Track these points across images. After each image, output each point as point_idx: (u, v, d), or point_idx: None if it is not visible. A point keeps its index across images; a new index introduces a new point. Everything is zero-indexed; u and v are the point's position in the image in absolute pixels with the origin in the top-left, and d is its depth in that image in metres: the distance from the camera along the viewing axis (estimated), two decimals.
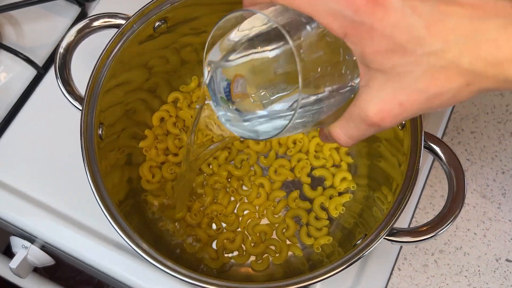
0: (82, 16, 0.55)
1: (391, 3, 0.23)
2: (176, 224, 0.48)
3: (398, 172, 0.40)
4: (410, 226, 0.48)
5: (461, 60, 0.23)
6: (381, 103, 0.24)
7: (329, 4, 0.23)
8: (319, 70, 0.24)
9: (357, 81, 0.26)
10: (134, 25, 0.41)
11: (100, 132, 0.40)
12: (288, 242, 0.47)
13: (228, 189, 0.49)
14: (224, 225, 0.48)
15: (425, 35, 0.23)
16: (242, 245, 0.47)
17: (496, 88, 0.24)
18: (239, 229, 0.48)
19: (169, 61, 0.49)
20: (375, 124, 0.25)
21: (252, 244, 0.47)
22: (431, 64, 0.23)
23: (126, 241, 0.36)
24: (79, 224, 0.47)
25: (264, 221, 0.48)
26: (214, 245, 0.47)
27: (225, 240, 0.47)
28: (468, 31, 0.23)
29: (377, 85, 0.24)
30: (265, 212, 0.48)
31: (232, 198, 0.49)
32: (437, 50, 0.23)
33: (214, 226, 0.48)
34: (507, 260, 0.49)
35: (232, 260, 0.47)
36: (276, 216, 0.48)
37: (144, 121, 0.51)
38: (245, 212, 0.48)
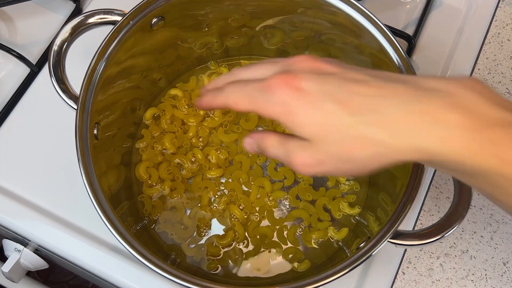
0: (77, 12, 0.55)
1: (308, 86, 0.29)
2: (173, 227, 0.48)
3: (402, 173, 0.40)
4: (415, 229, 0.48)
5: (369, 132, 0.27)
6: (304, 155, 0.29)
7: (259, 95, 0.30)
8: None
9: None
10: (131, 22, 0.41)
11: (95, 131, 0.40)
12: (289, 244, 0.47)
13: (226, 191, 0.49)
14: (223, 226, 0.48)
15: (336, 110, 0.28)
16: (242, 248, 0.47)
17: (418, 160, 0.28)
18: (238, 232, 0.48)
19: (166, 58, 0.49)
20: (294, 165, 0.30)
21: (252, 247, 0.47)
22: (343, 135, 0.28)
23: (121, 243, 0.36)
24: (74, 226, 0.47)
25: (265, 222, 0.48)
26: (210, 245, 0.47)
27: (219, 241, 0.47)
28: (372, 107, 0.27)
29: (305, 144, 0.29)
30: (265, 213, 0.48)
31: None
32: (348, 123, 0.28)
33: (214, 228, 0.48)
34: None
35: (231, 263, 0.47)
36: (277, 218, 0.48)
37: (140, 121, 0.51)
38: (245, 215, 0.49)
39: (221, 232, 0.48)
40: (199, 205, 0.48)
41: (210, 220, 0.48)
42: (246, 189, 0.49)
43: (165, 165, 0.49)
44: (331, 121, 0.28)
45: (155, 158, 0.49)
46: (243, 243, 0.47)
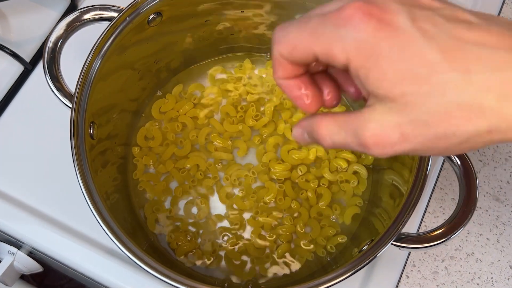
0: (72, 8, 0.55)
1: (398, 22, 0.21)
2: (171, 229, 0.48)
3: (407, 174, 0.40)
4: (419, 231, 0.48)
5: (486, 99, 0.20)
6: (381, 127, 0.23)
7: (328, 29, 0.22)
8: None
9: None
10: (127, 18, 0.41)
11: (91, 131, 0.40)
12: (292, 245, 0.47)
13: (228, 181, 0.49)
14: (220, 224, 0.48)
15: (441, 61, 0.21)
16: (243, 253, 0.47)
17: None
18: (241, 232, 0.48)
19: (164, 55, 0.49)
20: (366, 146, 0.24)
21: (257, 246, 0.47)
22: (448, 98, 0.21)
23: (118, 246, 0.36)
24: (69, 228, 0.47)
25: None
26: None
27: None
28: (497, 63, 0.20)
29: (382, 109, 0.22)
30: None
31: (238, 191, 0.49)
32: (456, 81, 0.20)
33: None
34: None
35: (223, 264, 0.47)
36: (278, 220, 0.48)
37: (138, 119, 0.51)
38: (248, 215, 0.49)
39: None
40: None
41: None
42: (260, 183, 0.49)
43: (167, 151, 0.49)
44: (433, 78, 0.21)
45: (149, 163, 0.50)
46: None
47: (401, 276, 0.47)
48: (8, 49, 0.51)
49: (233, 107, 0.51)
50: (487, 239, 0.50)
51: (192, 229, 0.48)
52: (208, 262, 0.47)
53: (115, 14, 0.41)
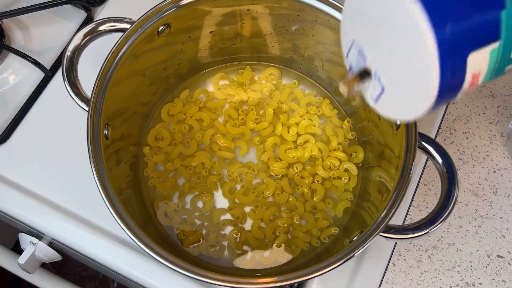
0: (88, 20, 0.55)
1: None
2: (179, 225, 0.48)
3: (393, 171, 0.40)
4: (405, 223, 0.48)
5: None
6: None
7: None
8: None
9: None
10: (139, 29, 0.41)
11: (106, 132, 0.40)
12: (289, 236, 0.47)
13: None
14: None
15: None
16: (240, 241, 0.47)
17: None
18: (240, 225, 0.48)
19: (173, 63, 0.49)
20: None
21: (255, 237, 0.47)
22: None
23: (130, 237, 0.36)
24: (85, 221, 0.47)
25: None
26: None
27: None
28: None
29: None
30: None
31: (238, 187, 0.49)
32: None
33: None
34: (498, 256, 0.49)
35: (226, 254, 0.47)
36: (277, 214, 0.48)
37: (149, 121, 0.51)
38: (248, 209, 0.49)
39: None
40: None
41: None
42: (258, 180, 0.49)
43: (175, 162, 0.49)
44: None
45: (162, 161, 0.50)
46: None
47: (388, 264, 0.47)
48: (30, 57, 0.51)
49: (235, 110, 0.51)
50: (467, 230, 0.50)
51: (198, 221, 0.48)
52: (213, 252, 0.47)
53: (127, 26, 0.41)
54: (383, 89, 0.26)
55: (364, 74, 0.26)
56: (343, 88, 0.26)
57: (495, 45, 0.22)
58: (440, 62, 0.21)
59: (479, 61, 0.22)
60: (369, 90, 0.27)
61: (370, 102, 0.27)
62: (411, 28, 0.21)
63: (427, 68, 0.22)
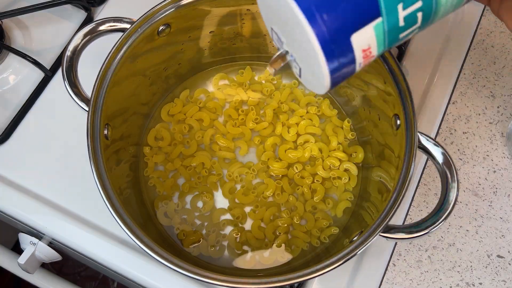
0: (88, 20, 0.55)
1: None
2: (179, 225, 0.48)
3: (393, 171, 0.40)
4: (405, 223, 0.48)
5: None
6: None
7: None
8: None
9: None
10: (139, 29, 0.41)
11: (106, 132, 0.40)
12: (289, 236, 0.47)
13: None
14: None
15: None
16: (237, 237, 0.47)
17: None
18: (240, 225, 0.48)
19: (172, 63, 0.49)
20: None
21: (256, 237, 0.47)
22: None
23: (130, 237, 0.36)
24: (85, 221, 0.47)
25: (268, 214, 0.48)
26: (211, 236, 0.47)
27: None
28: None
29: None
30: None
31: (238, 187, 0.49)
32: None
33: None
34: (498, 256, 0.49)
35: (226, 254, 0.47)
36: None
37: (149, 121, 0.51)
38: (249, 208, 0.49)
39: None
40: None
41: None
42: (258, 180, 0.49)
43: (174, 162, 0.49)
44: None
45: (161, 161, 0.49)
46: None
47: (388, 264, 0.47)
48: (30, 57, 0.51)
49: (235, 110, 0.51)
50: (467, 230, 0.50)
51: (198, 221, 0.48)
52: (213, 252, 0.47)
53: (127, 26, 0.41)
54: (300, 69, 0.29)
55: (286, 55, 0.30)
56: (269, 68, 0.30)
57: (377, 21, 0.24)
58: (322, 49, 0.24)
59: (364, 38, 0.25)
60: (293, 68, 0.30)
61: (297, 76, 0.30)
62: (296, 22, 0.24)
63: (315, 54, 0.25)
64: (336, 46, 0.24)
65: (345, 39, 0.24)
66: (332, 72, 0.26)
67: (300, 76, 0.30)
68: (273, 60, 0.30)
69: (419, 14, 0.25)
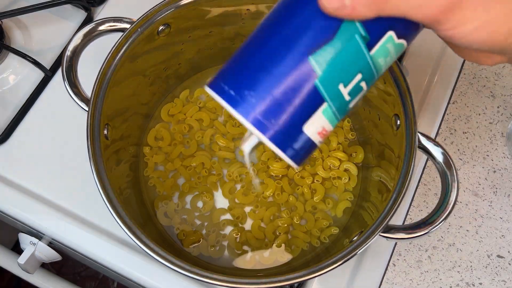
0: (88, 20, 0.55)
1: None
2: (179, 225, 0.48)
3: (393, 171, 0.40)
4: (405, 223, 0.48)
5: None
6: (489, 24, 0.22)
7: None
8: None
9: None
10: (139, 29, 0.41)
11: (105, 132, 0.40)
12: (289, 236, 0.47)
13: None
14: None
15: None
16: (236, 237, 0.47)
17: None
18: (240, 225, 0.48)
19: (172, 63, 0.49)
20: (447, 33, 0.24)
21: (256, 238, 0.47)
22: None
23: (130, 237, 0.36)
24: (85, 221, 0.47)
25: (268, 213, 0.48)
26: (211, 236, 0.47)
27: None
28: None
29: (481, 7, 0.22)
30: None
31: (239, 187, 0.49)
32: None
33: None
34: (498, 256, 0.49)
35: (226, 254, 0.47)
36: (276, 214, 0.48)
37: (149, 121, 0.51)
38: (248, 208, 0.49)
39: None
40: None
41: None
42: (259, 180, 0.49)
43: (176, 151, 0.49)
44: None
45: (161, 161, 0.49)
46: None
47: (388, 265, 0.47)
48: (30, 57, 0.51)
49: None
50: (467, 230, 0.50)
51: (198, 221, 0.48)
52: (213, 252, 0.47)
53: (127, 26, 0.41)
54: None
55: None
56: (243, 148, 0.30)
57: (324, 106, 0.26)
58: (280, 148, 0.26)
59: (316, 124, 0.26)
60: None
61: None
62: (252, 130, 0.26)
63: (277, 151, 0.26)
64: (292, 142, 0.26)
65: (298, 132, 0.26)
66: (295, 159, 0.27)
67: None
68: (244, 140, 0.30)
69: (363, 84, 0.26)
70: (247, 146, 0.29)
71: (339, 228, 0.47)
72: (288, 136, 0.26)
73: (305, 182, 0.49)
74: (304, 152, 0.27)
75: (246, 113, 0.25)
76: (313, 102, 0.25)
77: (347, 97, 0.26)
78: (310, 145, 0.27)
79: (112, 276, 0.52)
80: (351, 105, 0.28)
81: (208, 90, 0.27)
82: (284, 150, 0.26)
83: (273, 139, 0.26)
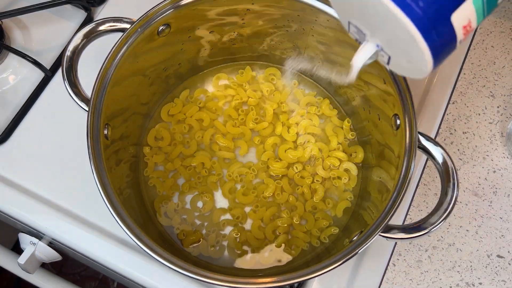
0: (88, 20, 0.55)
1: None
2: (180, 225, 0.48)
3: (393, 171, 0.40)
4: (405, 223, 0.48)
5: None
6: None
7: None
8: None
9: None
10: (139, 29, 0.41)
11: (106, 132, 0.40)
12: (289, 236, 0.47)
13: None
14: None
15: None
16: (237, 236, 0.47)
17: None
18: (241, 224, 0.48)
19: (172, 63, 0.49)
20: None
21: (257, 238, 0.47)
22: None
23: (130, 237, 0.36)
24: (85, 221, 0.47)
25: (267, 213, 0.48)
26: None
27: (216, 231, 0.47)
28: None
29: None
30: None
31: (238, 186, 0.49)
32: None
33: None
34: (498, 256, 0.49)
35: (226, 254, 0.47)
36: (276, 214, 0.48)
37: (149, 121, 0.51)
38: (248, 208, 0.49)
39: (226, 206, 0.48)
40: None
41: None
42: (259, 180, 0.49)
43: (174, 162, 0.49)
44: None
45: (161, 161, 0.49)
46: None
47: (388, 264, 0.47)
48: (30, 57, 0.51)
49: (235, 110, 0.51)
50: (467, 230, 0.50)
51: (198, 221, 0.48)
52: (213, 252, 0.47)
53: (127, 26, 0.41)
54: (390, 57, 0.28)
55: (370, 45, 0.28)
56: (355, 63, 0.28)
57: None
58: (424, 37, 0.23)
59: (464, 15, 0.24)
60: (380, 58, 0.29)
61: (385, 65, 0.29)
62: (388, 14, 0.23)
63: (414, 43, 0.24)
64: (437, 31, 0.24)
65: (445, 21, 0.24)
66: (435, 56, 0.25)
67: (388, 63, 0.29)
68: (358, 52, 0.28)
69: None
70: (360, 59, 0.27)
71: (339, 228, 0.47)
72: (435, 24, 0.23)
73: (305, 182, 0.49)
74: (443, 51, 0.25)
75: None
76: None
77: None
78: (451, 40, 0.25)
79: (112, 276, 0.52)
80: (499, 1, 0.25)
81: None
82: (428, 41, 0.24)
83: (419, 26, 0.23)
